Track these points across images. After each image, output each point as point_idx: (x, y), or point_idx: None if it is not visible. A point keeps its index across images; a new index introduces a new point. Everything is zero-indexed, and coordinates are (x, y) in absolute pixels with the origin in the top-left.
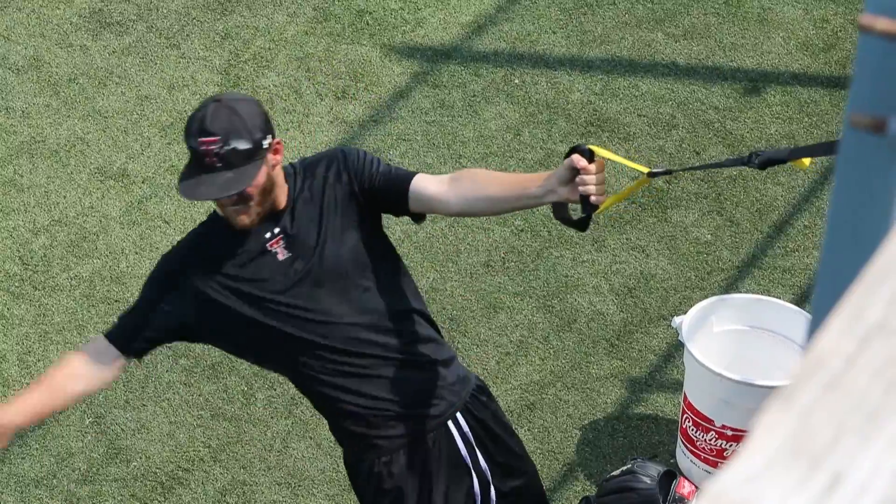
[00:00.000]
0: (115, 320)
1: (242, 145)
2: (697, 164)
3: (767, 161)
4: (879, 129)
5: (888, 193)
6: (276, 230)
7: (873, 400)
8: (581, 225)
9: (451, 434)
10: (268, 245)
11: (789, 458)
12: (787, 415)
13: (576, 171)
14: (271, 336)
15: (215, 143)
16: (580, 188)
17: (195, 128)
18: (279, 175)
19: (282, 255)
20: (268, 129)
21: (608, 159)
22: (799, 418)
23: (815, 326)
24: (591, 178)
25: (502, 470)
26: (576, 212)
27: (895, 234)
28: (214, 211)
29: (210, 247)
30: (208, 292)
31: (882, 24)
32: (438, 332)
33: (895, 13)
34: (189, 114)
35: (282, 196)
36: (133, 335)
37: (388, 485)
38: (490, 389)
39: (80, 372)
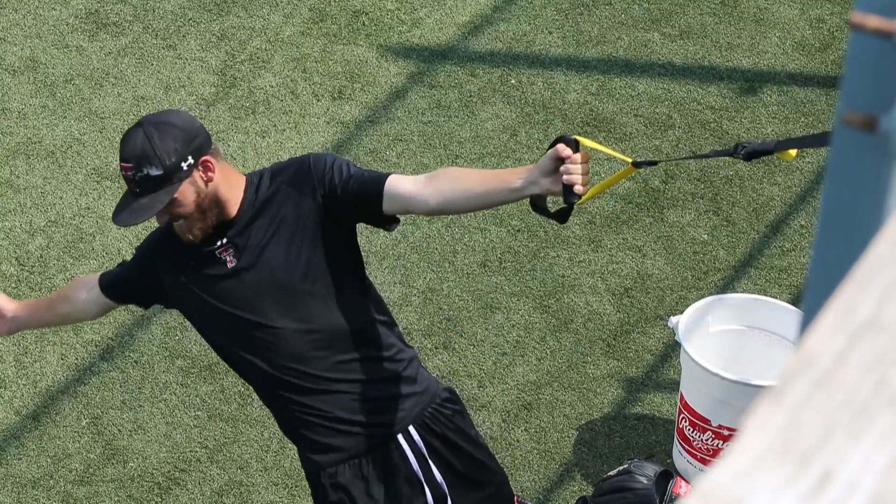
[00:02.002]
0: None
1: (154, 171)
2: (684, 155)
3: (753, 152)
4: (871, 127)
5: (879, 191)
6: (225, 239)
7: (863, 397)
8: (561, 216)
9: (402, 448)
10: (217, 252)
11: (779, 455)
12: (777, 412)
13: (560, 162)
14: (218, 337)
15: (130, 170)
16: (564, 177)
17: (120, 150)
18: (221, 188)
19: (231, 262)
20: (187, 150)
21: (594, 149)
22: (789, 415)
23: (806, 323)
24: (576, 168)
25: (465, 482)
26: (556, 204)
27: (886, 232)
28: None
29: (172, 245)
30: (166, 287)
31: (873, 21)
32: (403, 343)
33: (886, 11)
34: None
35: (231, 207)
36: (115, 283)
37: (333, 497)
38: (485, 391)
39: (67, 294)
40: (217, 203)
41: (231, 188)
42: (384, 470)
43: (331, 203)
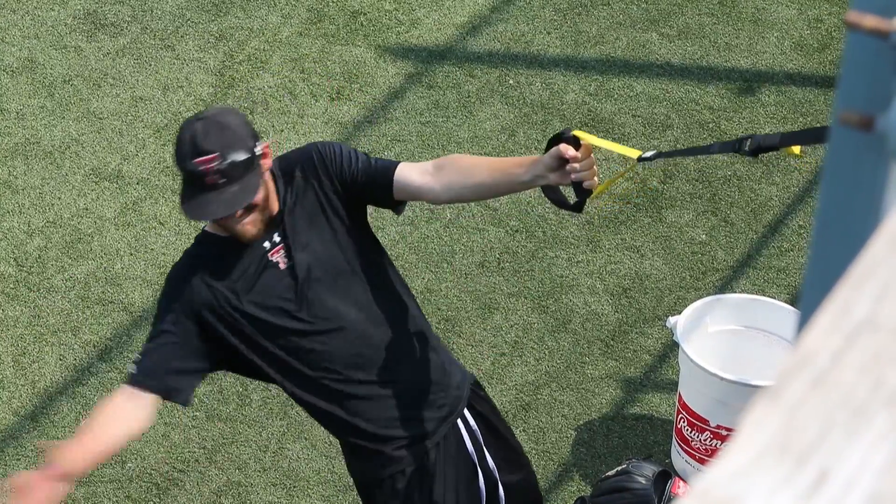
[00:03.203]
0: (137, 361)
1: (240, 156)
2: (687, 148)
3: (759, 148)
4: (867, 127)
5: (876, 190)
6: (276, 238)
7: (860, 396)
8: (577, 207)
9: (460, 432)
10: (269, 255)
11: (776, 455)
12: (774, 411)
13: (564, 161)
14: (288, 352)
15: (214, 161)
16: (572, 176)
17: (187, 150)
18: (270, 180)
19: (283, 264)
20: (256, 135)
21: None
22: (786, 414)
23: (803, 323)
24: (583, 165)
25: (508, 465)
26: (569, 196)
27: (883, 231)
28: (203, 232)
29: (209, 269)
30: (216, 326)
31: (869, 21)
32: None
33: (882, 10)
34: (184, 115)
35: (275, 202)
36: (158, 370)
37: (411, 493)
38: (485, 389)
39: (116, 417)
40: (270, 195)
41: (271, 181)
42: (444, 459)
43: (344, 190)
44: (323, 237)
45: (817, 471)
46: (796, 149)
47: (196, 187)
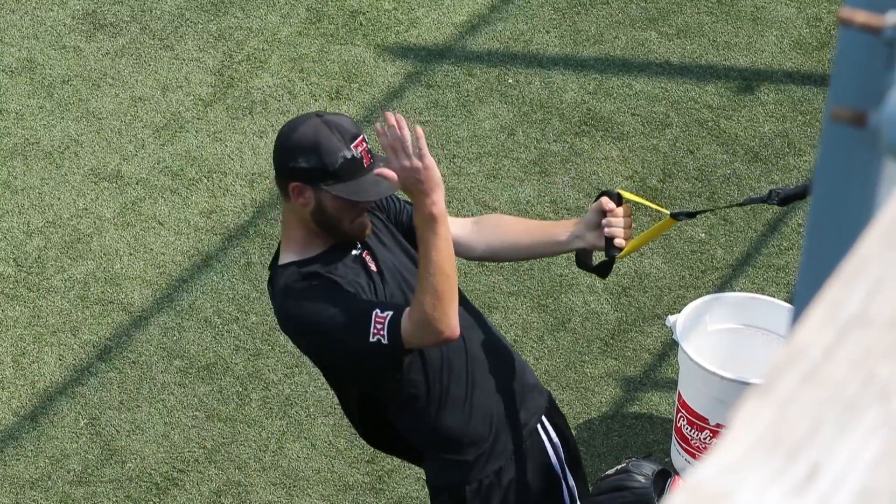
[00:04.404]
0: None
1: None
2: (718, 205)
3: (786, 198)
4: (860, 122)
5: (868, 186)
6: (359, 245)
7: (851, 391)
8: (603, 270)
9: (541, 440)
10: (363, 256)
11: (767, 449)
12: (766, 406)
13: (603, 215)
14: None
15: (365, 141)
16: (606, 230)
17: (337, 140)
18: None
19: (372, 266)
20: None
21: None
22: (777, 409)
23: (796, 318)
24: (617, 221)
25: (577, 471)
26: (598, 256)
27: (874, 227)
28: (278, 275)
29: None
30: None
31: (861, 17)
32: None
33: (874, 6)
34: (183, 115)
35: None
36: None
37: (497, 495)
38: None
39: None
40: None
41: None
42: (528, 468)
43: (392, 223)
44: (392, 246)
45: (808, 465)
46: None
47: (355, 173)
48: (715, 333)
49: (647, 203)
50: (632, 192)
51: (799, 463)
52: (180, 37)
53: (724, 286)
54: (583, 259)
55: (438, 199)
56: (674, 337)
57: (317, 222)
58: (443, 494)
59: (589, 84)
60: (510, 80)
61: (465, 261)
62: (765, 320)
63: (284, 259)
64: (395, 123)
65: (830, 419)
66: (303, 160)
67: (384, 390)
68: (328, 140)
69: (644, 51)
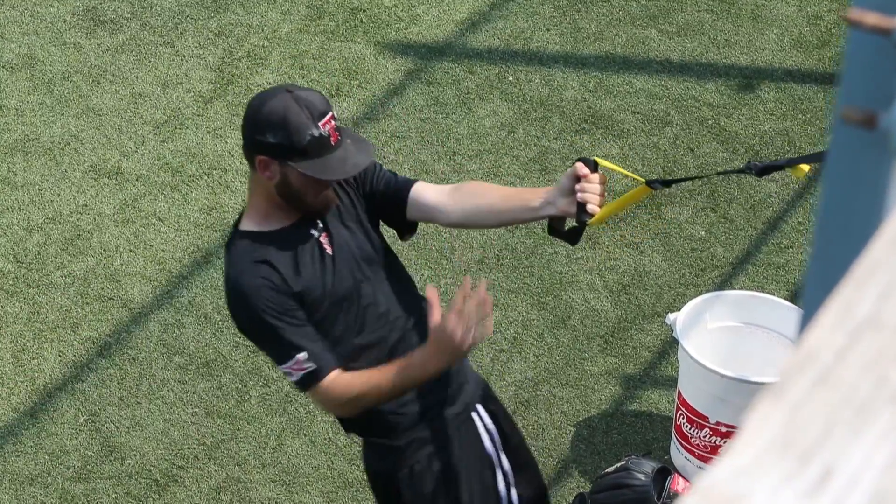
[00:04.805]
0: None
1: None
2: (696, 174)
3: (765, 168)
4: (870, 124)
5: (878, 188)
6: (320, 225)
7: (863, 394)
8: (572, 237)
9: (475, 425)
10: (320, 239)
11: (780, 452)
12: (778, 409)
13: (577, 180)
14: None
15: (334, 119)
16: (578, 195)
17: (305, 116)
18: None
19: (329, 250)
20: None
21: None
22: (789, 412)
23: (805, 321)
24: (591, 187)
25: (519, 461)
26: (569, 223)
27: (886, 229)
28: (234, 242)
29: (269, 257)
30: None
31: (871, 18)
32: None
33: (884, 7)
34: (183, 112)
35: None
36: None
37: (417, 490)
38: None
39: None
40: None
41: None
42: (461, 454)
43: (365, 198)
44: (353, 231)
45: (821, 468)
46: (803, 168)
47: (322, 150)
48: (715, 331)
49: (624, 171)
50: (612, 163)
51: (812, 466)
52: (180, 33)
53: (724, 284)
54: (555, 226)
55: (448, 365)
56: (674, 335)
57: (281, 195)
58: (378, 480)
59: (589, 82)
60: (510, 78)
61: (464, 258)
62: (765, 318)
63: (245, 225)
64: (472, 295)
65: (843, 422)
66: (270, 135)
67: None
68: (297, 116)
69: (644, 49)
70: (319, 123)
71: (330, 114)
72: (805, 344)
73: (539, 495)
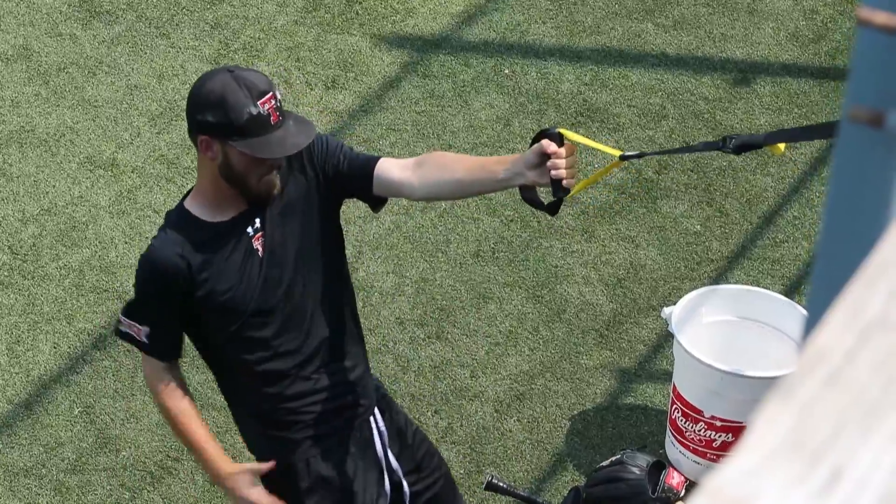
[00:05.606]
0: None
1: (279, 94)
2: (671, 148)
3: (742, 145)
4: (877, 123)
5: (886, 187)
6: (258, 223)
7: (873, 394)
8: (552, 209)
9: (371, 430)
10: (253, 240)
11: (789, 453)
12: (787, 409)
13: (545, 157)
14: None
15: (274, 98)
16: (552, 173)
17: (244, 95)
18: None
19: (260, 251)
20: None
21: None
22: (799, 413)
23: (812, 321)
24: (562, 163)
25: (417, 468)
26: (546, 196)
27: (894, 229)
28: (174, 215)
29: (194, 251)
30: (201, 299)
31: (881, 17)
32: None
33: (893, 7)
34: (179, 104)
35: None
36: (166, 338)
37: (307, 483)
38: (478, 381)
39: (176, 387)
40: None
41: None
42: (356, 450)
43: (326, 181)
44: (299, 231)
45: (830, 469)
46: (780, 147)
47: (261, 129)
48: (710, 325)
49: (592, 143)
50: (577, 133)
51: (821, 467)
52: (176, 25)
53: (719, 278)
54: (528, 196)
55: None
56: (669, 329)
57: (225, 177)
58: (273, 471)
59: (585, 75)
60: (506, 71)
61: (460, 251)
62: (760, 312)
63: (190, 204)
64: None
65: (852, 423)
66: (209, 114)
67: (213, 358)
68: (234, 95)
69: (640, 42)
70: (258, 102)
71: (270, 93)
72: (814, 345)
73: (445, 488)
